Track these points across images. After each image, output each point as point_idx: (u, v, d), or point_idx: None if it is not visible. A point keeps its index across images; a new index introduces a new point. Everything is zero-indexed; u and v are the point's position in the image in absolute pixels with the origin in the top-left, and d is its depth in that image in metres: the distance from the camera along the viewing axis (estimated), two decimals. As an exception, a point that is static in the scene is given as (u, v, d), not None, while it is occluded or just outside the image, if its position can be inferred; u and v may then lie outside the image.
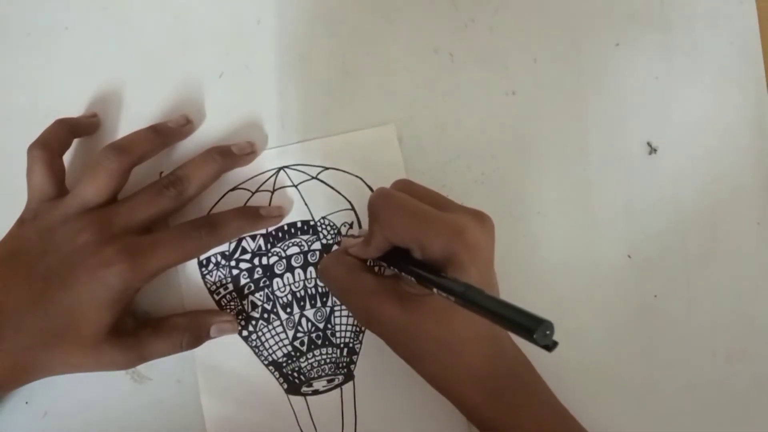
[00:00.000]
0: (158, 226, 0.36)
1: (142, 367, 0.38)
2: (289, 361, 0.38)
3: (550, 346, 0.23)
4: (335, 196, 0.39)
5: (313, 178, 0.39)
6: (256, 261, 0.38)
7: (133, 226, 0.33)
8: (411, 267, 0.31)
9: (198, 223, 0.35)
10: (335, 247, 0.38)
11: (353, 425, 0.37)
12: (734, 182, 0.40)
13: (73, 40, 0.40)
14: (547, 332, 0.23)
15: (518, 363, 0.33)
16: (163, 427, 0.37)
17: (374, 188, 0.38)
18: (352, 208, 0.39)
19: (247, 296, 0.38)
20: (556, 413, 0.33)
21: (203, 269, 0.38)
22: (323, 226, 0.38)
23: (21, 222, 0.34)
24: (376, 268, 0.36)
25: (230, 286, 0.38)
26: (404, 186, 0.34)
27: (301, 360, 0.38)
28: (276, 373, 0.38)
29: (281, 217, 0.38)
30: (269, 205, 0.38)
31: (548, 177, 0.40)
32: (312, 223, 0.38)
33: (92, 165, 0.34)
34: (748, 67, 0.41)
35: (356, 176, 0.39)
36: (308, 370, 0.38)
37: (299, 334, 0.38)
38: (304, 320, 0.38)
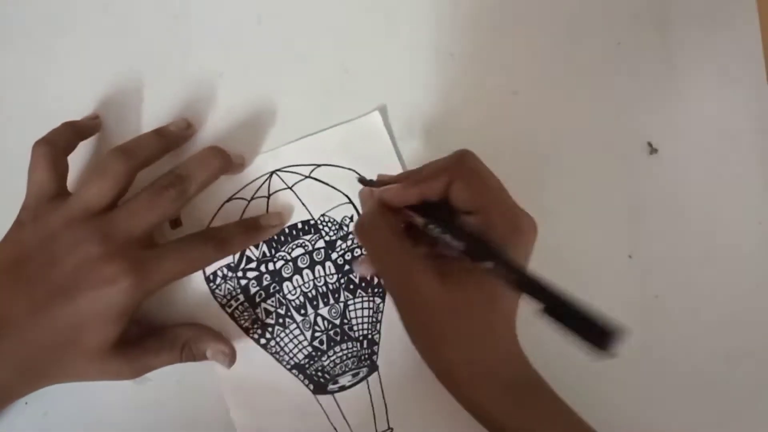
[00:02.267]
0: (160, 230, 0.35)
1: (142, 367, 0.38)
2: (312, 362, 0.38)
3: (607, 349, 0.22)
4: (331, 192, 0.39)
5: (306, 177, 0.39)
6: (262, 268, 0.38)
7: (135, 234, 0.32)
8: (456, 245, 0.29)
9: (204, 236, 0.35)
10: (339, 242, 0.38)
11: (384, 414, 0.37)
12: (734, 182, 0.40)
13: (73, 40, 0.40)
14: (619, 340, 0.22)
15: (525, 359, 0.33)
16: (163, 427, 0.37)
17: (368, 178, 0.38)
18: (350, 201, 0.39)
19: (259, 304, 0.38)
20: (562, 413, 0.32)
21: (211, 284, 0.38)
22: (324, 224, 0.38)
23: (20, 224, 0.33)
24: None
25: (241, 297, 0.38)
26: (470, 160, 0.32)
27: (323, 359, 0.38)
28: (300, 375, 0.38)
29: (282, 224, 0.38)
30: (267, 212, 0.38)
31: (549, 177, 0.40)
32: (312, 222, 0.38)
33: (98, 167, 0.33)
34: (749, 67, 0.41)
35: (349, 169, 0.39)
36: (331, 368, 0.38)
37: (317, 334, 0.38)
38: (319, 319, 0.38)
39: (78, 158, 0.39)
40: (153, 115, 0.39)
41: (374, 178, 0.37)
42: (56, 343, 0.31)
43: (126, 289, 0.31)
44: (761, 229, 0.40)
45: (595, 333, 0.22)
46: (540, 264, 0.39)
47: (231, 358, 0.36)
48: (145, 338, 0.34)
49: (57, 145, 0.34)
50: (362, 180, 0.37)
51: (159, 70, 0.40)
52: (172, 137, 0.37)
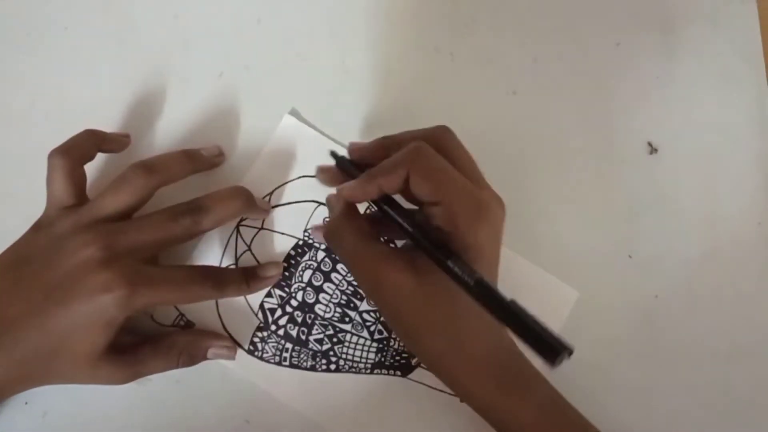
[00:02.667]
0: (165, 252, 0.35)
1: (142, 367, 0.38)
2: (385, 354, 0.37)
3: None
4: (298, 207, 0.39)
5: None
6: (288, 308, 0.38)
7: (139, 248, 0.32)
8: (426, 243, 0.30)
9: (205, 274, 0.34)
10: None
11: None
12: (734, 182, 0.40)
13: (73, 40, 0.40)
14: (567, 358, 0.23)
15: (515, 347, 0.33)
16: (163, 427, 0.37)
17: (319, 176, 0.36)
18: (320, 203, 0.38)
19: (307, 341, 0.38)
20: (555, 401, 0.33)
21: (256, 353, 0.37)
22: (311, 237, 0.38)
23: (37, 227, 0.34)
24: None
25: (289, 345, 0.37)
26: (443, 136, 0.32)
27: (391, 344, 0.38)
28: (384, 371, 0.37)
29: (279, 273, 0.37)
30: (256, 261, 0.38)
31: (548, 177, 0.40)
32: (301, 242, 0.38)
33: (117, 179, 0.33)
34: (749, 67, 0.41)
35: (298, 178, 0.39)
36: (403, 347, 0.38)
37: (372, 327, 0.38)
38: (365, 315, 0.38)
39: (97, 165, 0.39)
40: (153, 115, 0.39)
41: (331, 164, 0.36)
42: (47, 345, 0.31)
43: (118, 299, 0.30)
44: (761, 229, 0.40)
45: (542, 346, 0.24)
46: (540, 264, 0.39)
47: (233, 350, 0.37)
48: (140, 345, 0.34)
49: (72, 155, 0.34)
50: (334, 154, 0.35)
51: (158, 70, 0.40)
52: (200, 162, 0.37)
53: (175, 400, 0.38)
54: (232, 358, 0.37)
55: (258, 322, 0.38)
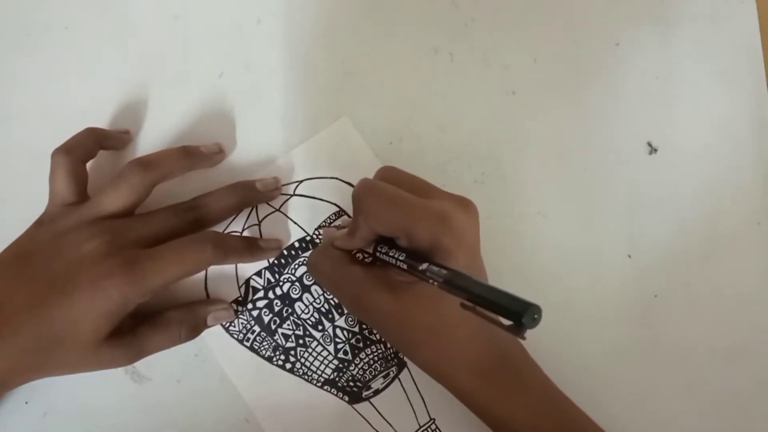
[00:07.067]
0: None
1: (142, 367, 0.38)
2: (341, 374, 0.38)
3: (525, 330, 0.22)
4: (320, 205, 0.39)
5: (291, 195, 0.39)
6: (270, 294, 0.38)
7: (142, 242, 0.33)
8: (396, 256, 0.31)
9: (203, 238, 0.34)
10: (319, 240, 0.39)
11: (423, 407, 0.38)
12: (734, 182, 0.40)
13: (73, 40, 0.40)
14: (535, 316, 0.22)
15: (510, 347, 0.33)
16: (163, 427, 0.37)
17: (354, 183, 0.38)
18: (340, 210, 0.39)
19: (275, 331, 0.38)
20: (549, 396, 0.33)
21: (224, 323, 0.38)
22: (320, 237, 0.38)
23: (39, 223, 0.34)
24: (361, 257, 0.36)
25: (256, 328, 0.38)
26: (387, 173, 0.34)
27: (351, 368, 0.38)
28: (333, 390, 0.38)
29: (279, 248, 0.38)
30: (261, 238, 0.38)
31: (548, 177, 0.40)
32: (308, 238, 0.38)
33: (116, 177, 0.34)
34: (748, 67, 0.41)
35: (331, 178, 0.39)
36: (362, 375, 0.38)
37: (339, 345, 0.38)
38: (338, 331, 0.38)
39: (100, 167, 0.39)
40: (152, 115, 0.39)
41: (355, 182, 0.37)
42: (50, 335, 0.31)
43: (120, 286, 0.31)
44: (761, 229, 0.40)
45: (516, 317, 0.23)
46: (540, 264, 0.39)
47: (231, 311, 0.37)
48: (138, 325, 0.34)
49: (75, 153, 0.35)
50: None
51: (158, 70, 0.40)
52: (198, 158, 0.37)
53: (175, 400, 0.38)
54: (233, 317, 0.37)
55: (238, 295, 0.38)
